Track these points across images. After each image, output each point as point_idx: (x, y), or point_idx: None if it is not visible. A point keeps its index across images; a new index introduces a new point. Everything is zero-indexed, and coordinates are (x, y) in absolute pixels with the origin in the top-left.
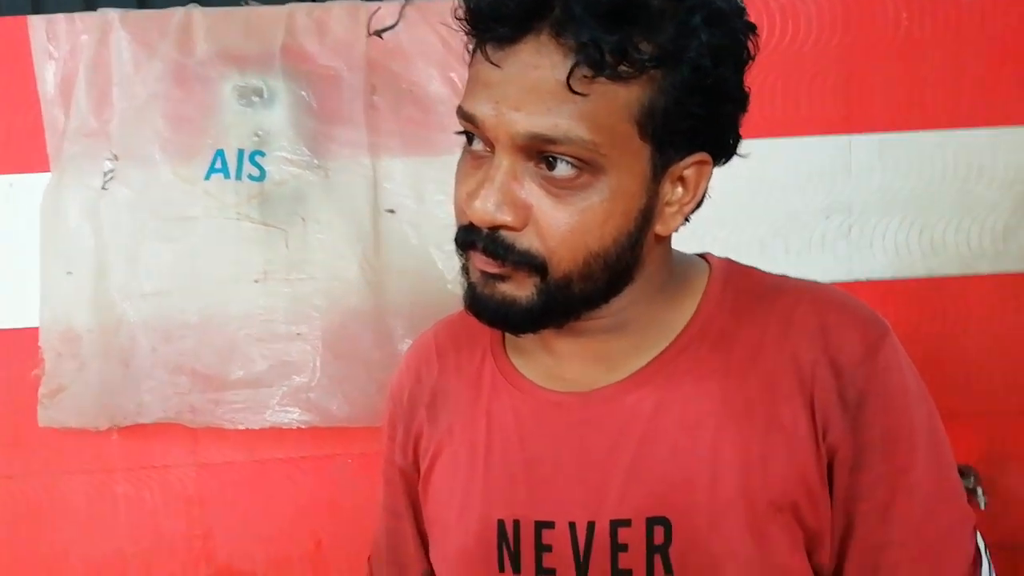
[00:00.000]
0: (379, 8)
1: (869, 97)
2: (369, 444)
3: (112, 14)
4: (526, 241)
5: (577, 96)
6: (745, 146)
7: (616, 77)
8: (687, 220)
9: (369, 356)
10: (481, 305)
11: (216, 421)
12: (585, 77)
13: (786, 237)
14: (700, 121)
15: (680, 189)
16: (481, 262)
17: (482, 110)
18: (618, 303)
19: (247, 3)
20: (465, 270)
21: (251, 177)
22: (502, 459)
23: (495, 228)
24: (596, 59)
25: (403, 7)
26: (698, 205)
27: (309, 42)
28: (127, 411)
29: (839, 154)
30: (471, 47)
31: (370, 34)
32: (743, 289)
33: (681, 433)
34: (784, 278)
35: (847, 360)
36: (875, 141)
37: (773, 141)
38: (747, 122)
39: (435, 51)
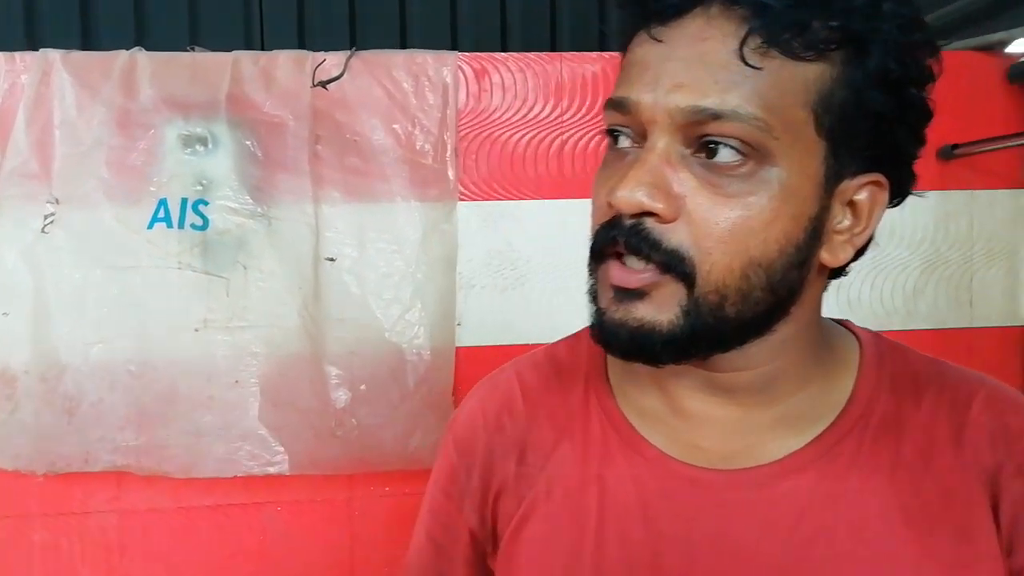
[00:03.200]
0: (324, 59)
1: None
2: (299, 492)
3: (54, 54)
4: (675, 237)
5: (749, 69)
6: None
7: (792, 53)
8: (857, 257)
9: (307, 404)
10: (612, 333)
11: (161, 470)
12: (759, 48)
13: None
14: (881, 126)
15: (850, 217)
16: (617, 275)
17: (637, 91)
18: (767, 351)
19: (192, 48)
20: (593, 295)
21: (194, 226)
22: (620, 539)
23: (640, 217)
24: (773, 28)
25: (348, 58)
26: (866, 244)
27: (254, 90)
28: (70, 458)
29: None
30: (623, 42)
31: (314, 84)
32: (900, 370)
33: (846, 534)
34: (940, 362)
35: None
36: None
37: None
38: None
39: (379, 102)
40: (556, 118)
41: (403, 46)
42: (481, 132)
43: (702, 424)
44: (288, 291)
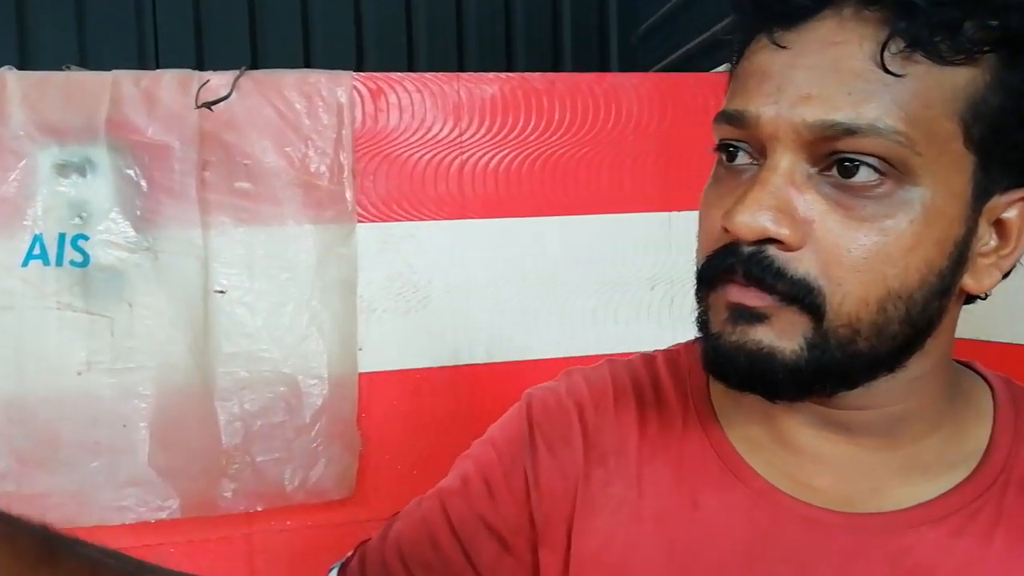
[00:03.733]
0: (209, 80)
1: (686, 177)
2: (193, 532)
3: None
4: (803, 266)
5: (889, 77)
6: (577, 222)
7: (940, 57)
8: (987, 294)
9: (198, 445)
10: (729, 358)
11: (45, 518)
12: (901, 53)
13: (616, 307)
14: None
15: (995, 238)
16: (736, 292)
17: (757, 103)
18: (898, 390)
19: (68, 68)
20: (703, 320)
21: (73, 263)
22: (718, 572)
23: (762, 244)
24: (919, 30)
25: (237, 78)
26: (1010, 270)
27: (136, 113)
28: None
29: (661, 230)
30: (738, 49)
31: (199, 105)
32: None
33: None
34: None
35: None
36: (693, 218)
37: (602, 217)
38: (577, 200)
39: (270, 123)
40: (456, 138)
41: (307, 66)
42: (379, 153)
43: (816, 460)
44: (177, 328)
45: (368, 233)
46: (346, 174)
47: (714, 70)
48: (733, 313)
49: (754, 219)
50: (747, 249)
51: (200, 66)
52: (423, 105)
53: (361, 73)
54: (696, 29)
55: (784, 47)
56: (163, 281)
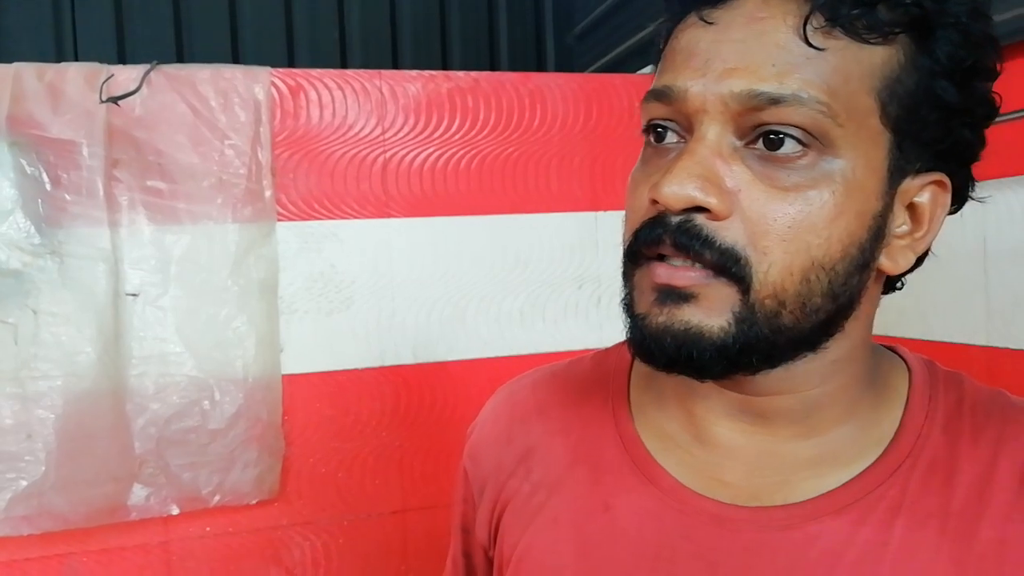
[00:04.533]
0: (112, 75)
1: (613, 177)
2: (106, 539)
3: None
4: (730, 235)
5: (811, 50)
6: (504, 221)
7: (857, 34)
8: (915, 267)
9: (107, 452)
10: (655, 339)
11: None
12: (822, 28)
13: (543, 306)
14: (948, 120)
15: (909, 221)
16: (662, 272)
17: (684, 78)
18: (816, 372)
19: None
20: (628, 303)
21: None
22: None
23: (689, 213)
24: (837, 6)
25: (147, 72)
26: (925, 253)
27: (39, 109)
28: None
29: (587, 229)
30: (666, 33)
31: (103, 100)
32: (954, 402)
33: None
34: (1003, 393)
35: None
36: (620, 217)
37: (529, 216)
38: (503, 199)
39: (185, 119)
40: (379, 136)
41: (236, 63)
42: (299, 150)
43: (728, 455)
44: (85, 335)
45: (288, 232)
46: (264, 172)
47: (640, 71)
48: (660, 294)
49: (682, 187)
50: (675, 219)
51: (122, 61)
52: (344, 102)
53: (279, 69)
54: (630, 30)
55: (711, 23)
56: (70, 285)
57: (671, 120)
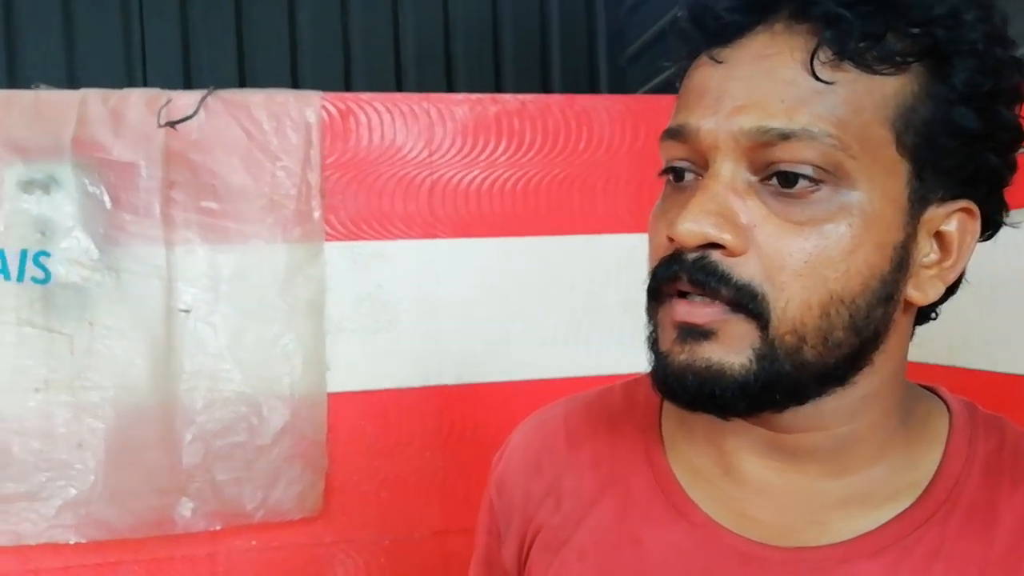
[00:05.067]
0: (169, 100)
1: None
2: (157, 550)
3: None
4: (747, 272)
5: (820, 84)
6: (549, 243)
7: (868, 66)
8: (947, 296)
9: (155, 464)
10: (678, 378)
11: None
12: (830, 62)
13: (588, 330)
14: (970, 146)
15: (937, 250)
16: (682, 310)
17: (697, 117)
18: (845, 409)
19: (37, 87)
20: (652, 340)
21: (34, 279)
22: None
23: (706, 250)
24: (845, 39)
25: (204, 97)
26: (956, 283)
27: (102, 132)
28: None
29: (633, 251)
30: (681, 72)
31: (161, 124)
32: (995, 447)
33: None
34: None
35: None
36: None
37: (574, 238)
38: (548, 220)
39: (238, 142)
40: (426, 158)
41: (295, 87)
42: (348, 172)
43: (759, 491)
44: (137, 348)
45: (336, 252)
46: (314, 193)
47: None
48: (681, 332)
49: (697, 224)
50: (691, 256)
51: (187, 86)
52: (392, 125)
53: (330, 93)
54: (681, 50)
55: (721, 62)
56: (125, 300)
57: (687, 160)
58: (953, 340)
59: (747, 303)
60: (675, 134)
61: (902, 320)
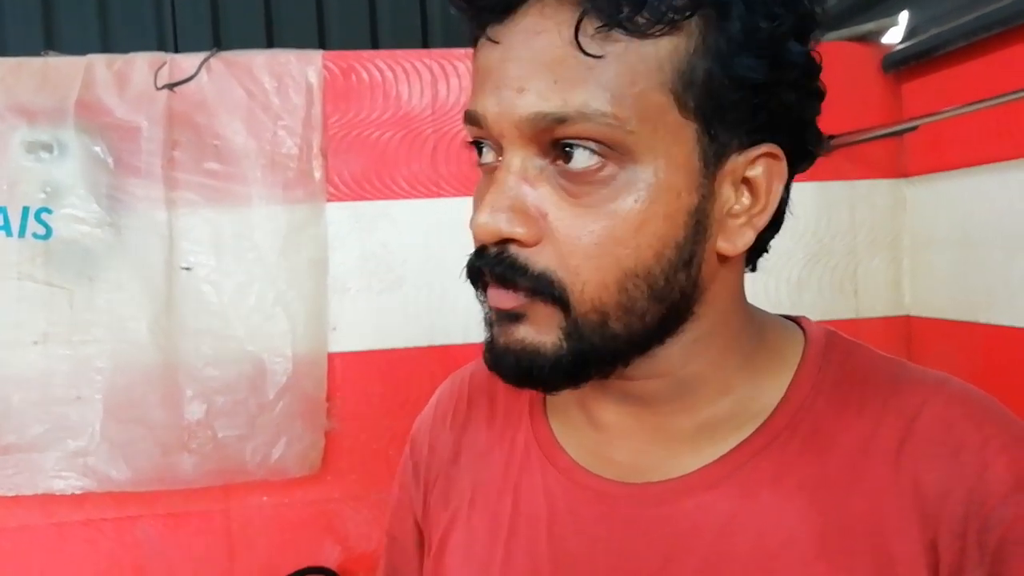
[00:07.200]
0: (165, 62)
1: None
2: (172, 504)
3: None
4: (542, 260)
5: (590, 59)
6: None
7: (638, 31)
8: (766, 246)
9: (155, 420)
10: (499, 358)
11: None
12: (597, 33)
13: None
14: (758, 93)
15: (747, 195)
16: (494, 296)
17: (482, 103)
18: (678, 355)
19: (46, 53)
20: (487, 321)
21: (36, 235)
22: (526, 551)
23: (503, 243)
24: (609, 6)
25: (206, 59)
26: (775, 220)
27: (107, 95)
28: None
29: None
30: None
31: (160, 87)
32: (848, 372)
33: (756, 561)
34: (903, 364)
35: (990, 493)
36: None
37: None
38: None
39: (240, 103)
40: (429, 116)
41: (269, 46)
42: (351, 132)
43: (620, 435)
44: (138, 303)
45: (340, 212)
46: (315, 153)
47: None
48: (498, 316)
49: (491, 220)
50: (492, 250)
51: (163, 49)
52: (394, 82)
53: (332, 51)
54: None
55: (497, 42)
56: (126, 257)
57: (486, 139)
58: (976, 295)
59: (545, 290)
60: (471, 119)
61: (725, 270)
